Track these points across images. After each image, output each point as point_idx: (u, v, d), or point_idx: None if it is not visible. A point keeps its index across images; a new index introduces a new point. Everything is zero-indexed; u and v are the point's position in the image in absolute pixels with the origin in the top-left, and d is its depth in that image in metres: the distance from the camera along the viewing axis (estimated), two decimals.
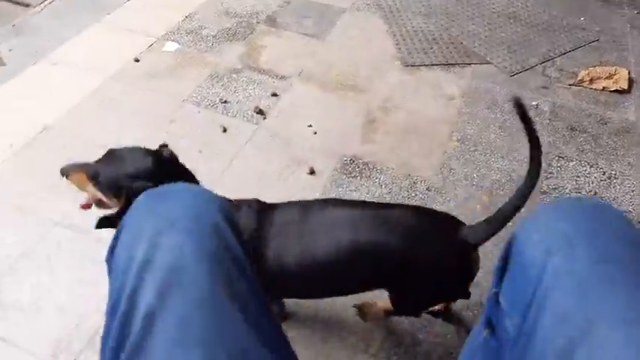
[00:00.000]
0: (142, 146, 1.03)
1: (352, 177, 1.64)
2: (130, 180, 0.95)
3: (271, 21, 2.42)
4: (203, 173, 1.64)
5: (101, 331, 1.20)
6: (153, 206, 0.61)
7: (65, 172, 1.01)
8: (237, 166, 1.68)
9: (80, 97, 1.88)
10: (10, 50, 2.09)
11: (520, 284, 0.57)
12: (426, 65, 2.16)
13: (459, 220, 0.96)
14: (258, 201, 1.04)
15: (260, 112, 1.90)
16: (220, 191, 1.55)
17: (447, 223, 0.95)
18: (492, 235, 0.89)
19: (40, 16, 2.31)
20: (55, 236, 1.42)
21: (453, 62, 2.18)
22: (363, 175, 1.65)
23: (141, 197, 0.63)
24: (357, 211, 0.94)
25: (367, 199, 1.56)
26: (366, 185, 1.61)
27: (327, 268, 0.92)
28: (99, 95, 1.90)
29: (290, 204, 1.02)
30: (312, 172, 1.67)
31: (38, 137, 1.71)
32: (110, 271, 0.62)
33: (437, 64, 2.17)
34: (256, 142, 1.78)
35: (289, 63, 2.17)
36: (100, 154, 1.63)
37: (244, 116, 1.88)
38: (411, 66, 2.16)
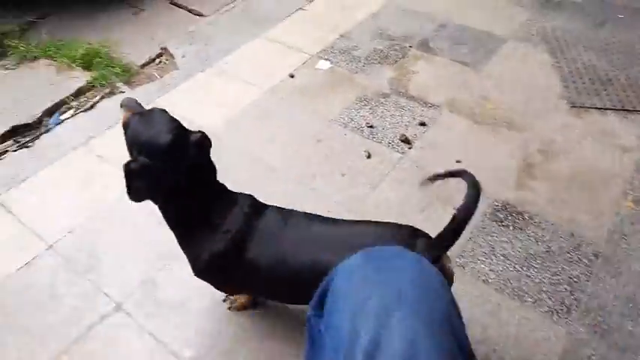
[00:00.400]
0: (177, 121, 1.03)
1: (503, 226, 1.51)
2: (137, 150, 0.96)
3: (424, 45, 2.36)
4: (344, 198, 1.65)
5: (235, 346, 1.23)
6: (373, 273, 0.58)
7: (122, 104, 1.06)
8: (378, 196, 1.65)
9: (239, 108, 1.99)
10: (183, 56, 2.30)
11: None
12: (598, 108, 1.93)
13: (421, 232, 1.04)
14: (250, 203, 1.09)
15: (406, 140, 1.85)
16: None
17: (405, 236, 1.01)
18: (448, 247, 1.00)
19: (211, 26, 2.51)
20: None
21: (631, 108, 1.92)
22: (517, 226, 1.51)
23: (357, 257, 0.62)
24: (328, 230, 1.04)
25: (520, 255, 1.42)
26: (520, 238, 1.47)
27: (292, 274, 1.00)
28: (255, 108, 2.00)
29: (275, 211, 1.09)
30: None
31: None
32: (316, 333, 0.60)
33: (611, 109, 1.93)
34: (400, 172, 1.73)
35: (440, 91, 2.08)
36: (251, 167, 1.70)
37: (390, 143, 1.85)
38: (579, 107, 1.94)
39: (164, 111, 1.05)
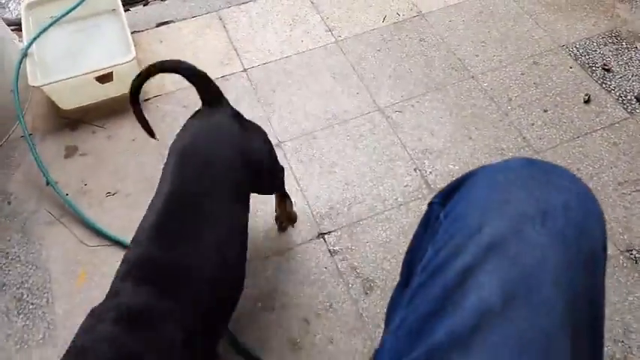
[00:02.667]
0: None
1: None
2: None
3: None
4: (534, 137, 1.44)
5: (362, 222, 1.25)
6: (525, 179, 0.50)
7: None
8: (575, 148, 1.40)
9: None
10: None
11: None
12: None
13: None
14: None
15: None
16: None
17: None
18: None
19: None
20: (373, 120, 1.48)
21: None
22: None
23: (516, 161, 0.54)
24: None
25: None
26: None
27: None
28: (483, 3, 1.77)
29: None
30: None
31: (409, 21, 1.73)
32: (435, 220, 0.57)
33: None
34: (617, 132, 1.43)
35: None
36: (448, 65, 1.56)
37: (620, 97, 1.51)
38: None
39: None
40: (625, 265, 1.20)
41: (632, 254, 1.21)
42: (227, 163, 0.86)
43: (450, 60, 1.61)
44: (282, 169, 1.16)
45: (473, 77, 1.57)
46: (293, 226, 1.26)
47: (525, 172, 0.52)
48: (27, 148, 1.36)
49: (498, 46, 1.65)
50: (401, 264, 0.72)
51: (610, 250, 1.22)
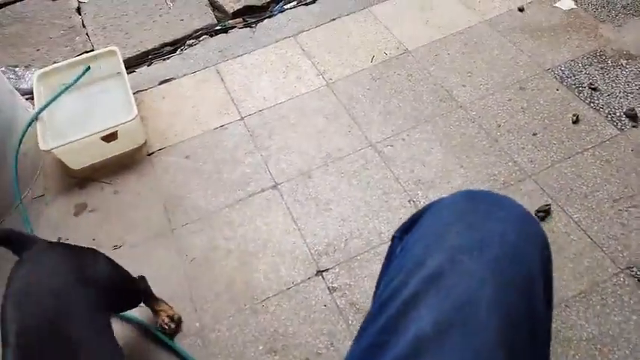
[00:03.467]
0: None
1: None
2: None
3: None
4: (525, 160, 1.46)
5: (359, 257, 1.28)
6: (467, 213, 0.54)
7: None
8: (566, 169, 1.41)
9: (448, 32, 1.85)
10: None
11: None
12: None
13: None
14: None
15: (633, 116, 1.50)
16: (529, 188, 1.36)
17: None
18: None
19: None
20: (366, 156, 1.53)
21: None
22: None
23: (461, 194, 0.57)
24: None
25: None
26: None
27: None
28: (465, 37, 1.83)
29: None
30: None
31: (397, 58, 1.80)
32: (393, 254, 0.60)
33: None
34: (608, 150, 1.44)
35: None
36: (436, 97, 1.61)
37: (609, 114, 1.53)
38: None
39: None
40: (627, 283, 1.19)
41: (633, 271, 1.20)
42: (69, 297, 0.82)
43: (437, 92, 1.66)
44: (140, 281, 1.12)
45: (461, 107, 1.61)
46: (180, 329, 1.18)
47: (467, 205, 0.55)
48: (40, 210, 1.44)
49: (484, 74, 1.69)
50: None
51: (610, 269, 1.21)
